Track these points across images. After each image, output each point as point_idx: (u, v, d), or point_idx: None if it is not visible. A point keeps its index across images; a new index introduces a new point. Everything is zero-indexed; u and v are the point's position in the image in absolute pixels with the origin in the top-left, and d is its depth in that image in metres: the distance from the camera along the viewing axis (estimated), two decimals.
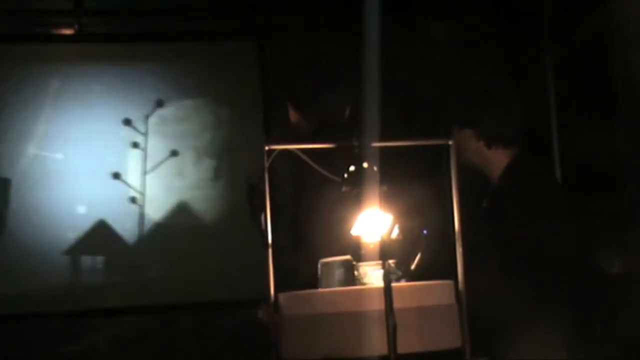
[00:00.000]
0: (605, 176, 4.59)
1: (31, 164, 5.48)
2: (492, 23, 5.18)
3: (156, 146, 5.59)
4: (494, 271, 3.63)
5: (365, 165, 3.12)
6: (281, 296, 3.16)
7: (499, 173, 3.81)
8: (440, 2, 5.24)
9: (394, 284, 2.93)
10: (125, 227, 5.54)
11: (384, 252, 2.99)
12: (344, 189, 3.16)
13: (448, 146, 3.32)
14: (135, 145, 5.57)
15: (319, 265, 3.22)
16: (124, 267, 5.54)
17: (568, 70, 5.11)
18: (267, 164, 3.16)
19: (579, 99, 4.94)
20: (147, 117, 5.59)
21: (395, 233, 3.11)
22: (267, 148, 3.18)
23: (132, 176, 5.55)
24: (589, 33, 4.83)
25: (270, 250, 3.14)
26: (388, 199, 3.12)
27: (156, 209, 5.56)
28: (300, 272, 3.32)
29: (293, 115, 3.95)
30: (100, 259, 5.53)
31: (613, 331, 4.37)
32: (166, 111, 5.61)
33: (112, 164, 5.54)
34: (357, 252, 3.16)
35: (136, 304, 5.49)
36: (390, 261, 3.04)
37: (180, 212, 5.58)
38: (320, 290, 3.18)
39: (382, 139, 3.29)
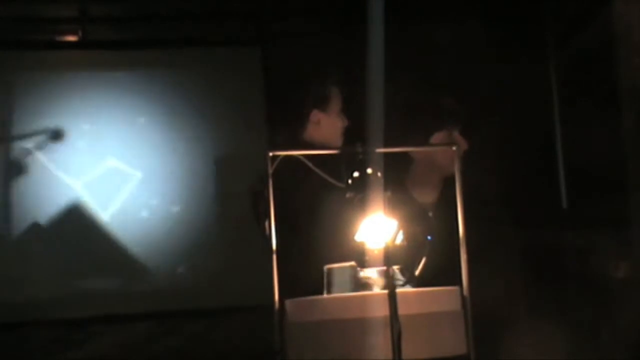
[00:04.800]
0: (609, 179, 4.59)
1: (35, 169, 5.49)
2: (496, 27, 5.18)
3: (160, 152, 5.59)
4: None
5: (369, 170, 3.11)
6: (286, 302, 3.15)
7: None
8: (444, 7, 5.24)
9: (398, 290, 2.93)
10: (130, 233, 5.54)
11: (389, 258, 2.99)
12: (348, 194, 3.16)
13: (452, 151, 3.32)
14: (139, 151, 5.58)
15: (324, 272, 3.22)
16: (128, 274, 5.54)
17: (571, 74, 5.11)
18: (271, 170, 3.15)
19: (582, 102, 4.95)
20: (151, 123, 5.60)
21: (399, 239, 3.10)
22: (271, 154, 3.17)
23: (137, 183, 5.56)
24: (592, 37, 4.83)
25: (275, 257, 3.13)
26: (392, 205, 3.11)
27: (161, 215, 5.56)
28: (305, 278, 3.31)
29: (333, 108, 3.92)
30: (104, 265, 5.53)
31: (615, 333, 4.37)
32: (170, 117, 5.62)
33: (116, 170, 5.55)
34: (361, 258, 3.15)
35: (141, 311, 5.49)
36: (395, 267, 3.04)
37: (185, 218, 5.58)
38: (324, 296, 3.17)
39: (386, 144, 3.29)
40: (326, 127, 3.86)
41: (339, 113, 3.91)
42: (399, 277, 3.07)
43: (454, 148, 3.33)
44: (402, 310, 2.87)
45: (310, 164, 3.25)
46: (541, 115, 5.16)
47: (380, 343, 2.91)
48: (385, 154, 3.24)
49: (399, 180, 3.92)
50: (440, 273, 3.18)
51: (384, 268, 3.01)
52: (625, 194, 4.42)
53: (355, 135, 3.87)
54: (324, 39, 5.45)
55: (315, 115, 3.87)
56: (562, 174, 5.13)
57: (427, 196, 3.94)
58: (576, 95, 5.01)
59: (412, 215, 3.26)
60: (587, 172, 4.83)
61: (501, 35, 5.18)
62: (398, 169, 3.89)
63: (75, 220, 5.53)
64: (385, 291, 2.91)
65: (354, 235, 3.17)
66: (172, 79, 5.66)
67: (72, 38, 5.71)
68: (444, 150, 3.92)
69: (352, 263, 3.16)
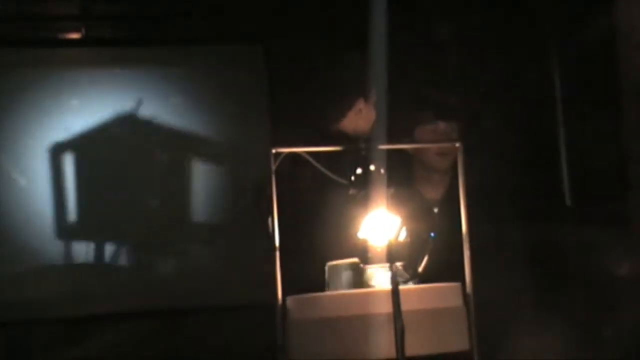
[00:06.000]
0: (612, 177, 4.59)
1: (36, 167, 5.49)
2: (498, 23, 5.18)
3: (163, 150, 5.59)
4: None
5: (372, 167, 3.12)
6: (288, 299, 3.16)
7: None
8: (447, 2, 5.24)
9: (401, 287, 2.93)
10: (131, 231, 5.54)
11: (392, 255, 2.99)
12: (351, 191, 3.16)
13: (456, 148, 3.32)
14: (141, 149, 5.57)
15: (326, 268, 3.22)
16: (128, 272, 5.54)
17: (574, 72, 5.10)
18: (274, 167, 3.16)
19: (585, 101, 4.94)
20: (153, 120, 5.60)
21: (402, 235, 3.10)
22: (274, 151, 3.17)
23: (139, 180, 5.56)
24: (595, 34, 4.83)
25: (277, 254, 3.13)
26: (395, 202, 3.11)
27: (162, 212, 5.56)
28: (307, 275, 3.31)
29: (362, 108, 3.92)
30: (105, 263, 5.53)
31: (618, 331, 4.38)
32: (173, 114, 5.62)
33: (118, 168, 5.55)
34: (364, 255, 3.16)
35: (142, 309, 5.49)
36: (398, 264, 3.04)
37: (187, 216, 5.58)
38: (327, 293, 3.17)
39: (390, 141, 3.29)
40: (365, 117, 3.88)
41: (373, 105, 3.93)
42: (402, 274, 3.07)
43: (457, 145, 3.33)
44: (404, 307, 2.87)
45: (313, 161, 3.25)
46: (544, 113, 5.16)
47: (383, 340, 2.91)
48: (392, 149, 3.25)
49: (407, 176, 3.93)
50: (446, 269, 3.18)
51: (387, 265, 3.01)
52: (629, 192, 4.42)
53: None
54: (328, 36, 5.44)
55: (360, 103, 3.88)
56: (565, 171, 5.13)
57: (432, 192, 3.95)
58: (579, 92, 5.01)
59: (417, 211, 3.26)
60: (590, 170, 4.83)
61: (503, 32, 5.18)
62: (405, 165, 3.90)
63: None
64: (388, 288, 2.92)
65: (356, 232, 3.17)
66: (174, 76, 5.65)
67: (74, 36, 5.70)
68: (433, 147, 3.95)
69: (355, 260, 3.17)
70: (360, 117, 3.87)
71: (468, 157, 3.68)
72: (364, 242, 3.16)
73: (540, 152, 5.09)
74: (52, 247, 5.48)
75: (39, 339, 5.36)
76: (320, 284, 3.22)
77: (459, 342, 3.10)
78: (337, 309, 3.04)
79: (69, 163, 5.53)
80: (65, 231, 5.50)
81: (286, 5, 5.54)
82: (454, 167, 4.01)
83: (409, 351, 2.85)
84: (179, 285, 5.51)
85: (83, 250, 5.51)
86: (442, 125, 4.06)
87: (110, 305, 5.46)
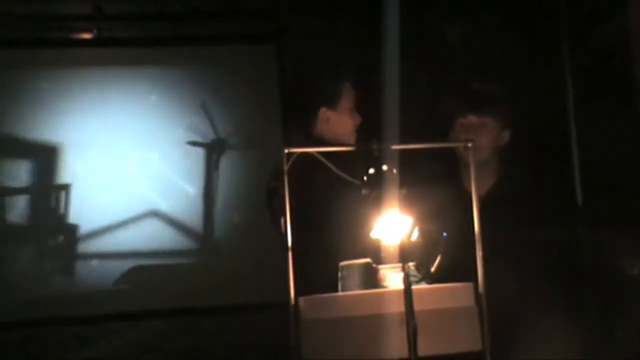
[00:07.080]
0: (624, 179, 4.58)
1: (51, 169, 5.50)
2: (511, 24, 5.18)
3: (174, 150, 5.60)
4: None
5: (384, 167, 3.12)
6: (301, 299, 3.16)
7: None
8: (460, 5, 5.24)
9: (414, 287, 2.93)
10: (145, 231, 5.55)
11: (404, 255, 2.99)
12: (363, 191, 3.16)
13: (468, 148, 3.32)
14: (154, 149, 5.58)
15: (339, 268, 3.22)
16: (144, 271, 5.55)
17: (587, 72, 5.09)
18: (286, 167, 3.16)
19: (598, 101, 4.93)
20: (166, 121, 5.61)
21: (415, 235, 3.10)
22: (286, 151, 3.18)
23: (151, 181, 5.57)
24: (609, 35, 4.82)
25: (290, 254, 3.14)
26: (407, 202, 3.11)
27: (176, 213, 5.57)
28: (320, 276, 3.31)
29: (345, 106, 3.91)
30: (119, 263, 5.55)
31: (630, 331, 4.37)
32: (185, 115, 5.63)
33: (131, 169, 5.56)
34: (377, 255, 3.16)
35: (156, 308, 5.50)
36: (410, 264, 3.04)
37: (200, 216, 5.59)
38: (340, 293, 3.18)
39: (402, 141, 3.29)
40: (336, 125, 3.86)
41: (350, 110, 3.90)
42: (415, 274, 3.07)
43: (469, 145, 3.32)
44: (417, 307, 2.87)
45: (325, 161, 3.25)
46: (557, 112, 5.15)
47: (395, 340, 2.91)
48: None
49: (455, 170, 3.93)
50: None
51: (400, 265, 3.02)
52: None
53: (370, 132, 3.87)
54: (340, 37, 5.44)
55: (324, 113, 3.87)
56: (577, 171, 5.11)
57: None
58: (592, 92, 5.00)
59: (461, 207, 3.27)
60: (602, 170, 4.81)
61: (517, 32, 5.17)
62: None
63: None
64: (400, 288, 2.92)
65: (369, 232, 3.17)
66: (187, 76, 5.66)
67: (87, 36, 5.71)
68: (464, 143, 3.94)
69: (368, 260, 3.17)
70: (329, 126, 3.87)
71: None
72: (377, 242, 3.17)
73: (553, 153, 5.08)
74: (67, 246, 5.50)
75: (54, 338, 5.38)
76: (333, 284, 3.22)
77: (471, 342, 3.10)
78: (349, 309, 3.04)
79: (82, 164, 5.55)
80: (82, 230, 5.52)
81: (300, 6, 5.54)
82: (500, 163, 4.04)
83: (421, 351, 2.85)
84: (193, 285, 5.52)
85: (98, 250, 5.53)
86: (472, 119, 4.05)
87: (126, 304, 5.47)
